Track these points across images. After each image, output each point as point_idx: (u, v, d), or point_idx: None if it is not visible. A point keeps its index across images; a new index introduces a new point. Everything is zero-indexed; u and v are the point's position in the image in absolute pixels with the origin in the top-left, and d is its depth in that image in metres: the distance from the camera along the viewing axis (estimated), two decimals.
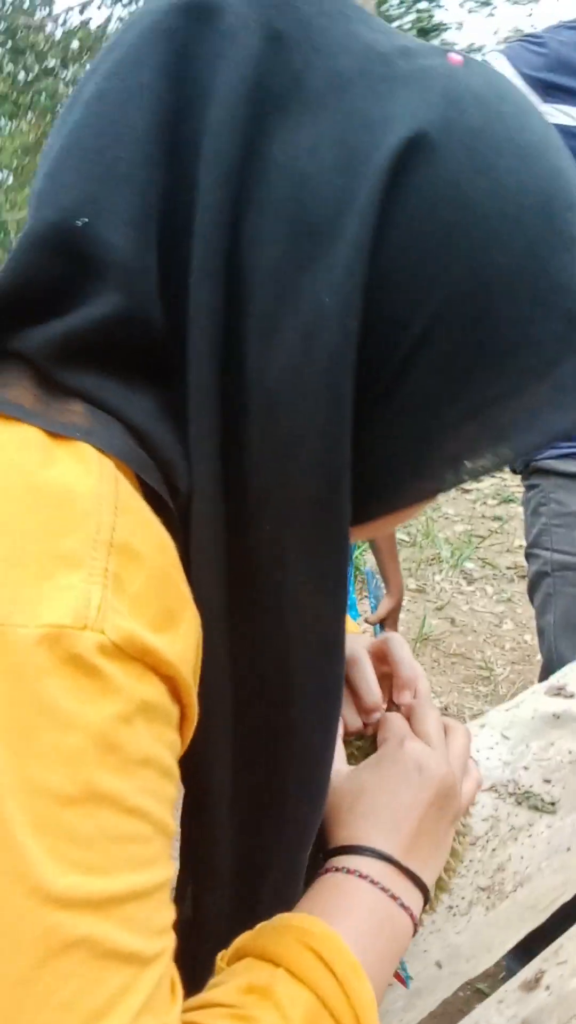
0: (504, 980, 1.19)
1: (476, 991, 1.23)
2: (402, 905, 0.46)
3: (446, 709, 2.59)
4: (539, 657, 1.48)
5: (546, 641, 1.39)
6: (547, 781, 0.95)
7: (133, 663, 0.30)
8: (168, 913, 0.33)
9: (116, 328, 0.35)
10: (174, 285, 0.36)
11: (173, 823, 0.33)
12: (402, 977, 0.60)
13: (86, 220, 0.34)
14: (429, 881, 0.50)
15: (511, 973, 1.14)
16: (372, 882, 0.46)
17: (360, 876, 0.46)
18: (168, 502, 0.36)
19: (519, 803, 0.91)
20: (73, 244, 0.35)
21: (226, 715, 0.40)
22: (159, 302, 0.36)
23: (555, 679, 1.15)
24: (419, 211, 0.34)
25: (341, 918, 0.43)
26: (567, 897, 0.79)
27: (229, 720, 0.40)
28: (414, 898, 0.48)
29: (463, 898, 0.78)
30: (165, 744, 0.32)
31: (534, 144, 0.36)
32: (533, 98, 1.22)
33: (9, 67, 9.03)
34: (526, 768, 0.98)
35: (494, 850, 0.85)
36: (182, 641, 0.33)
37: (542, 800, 0.91)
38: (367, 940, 0.43)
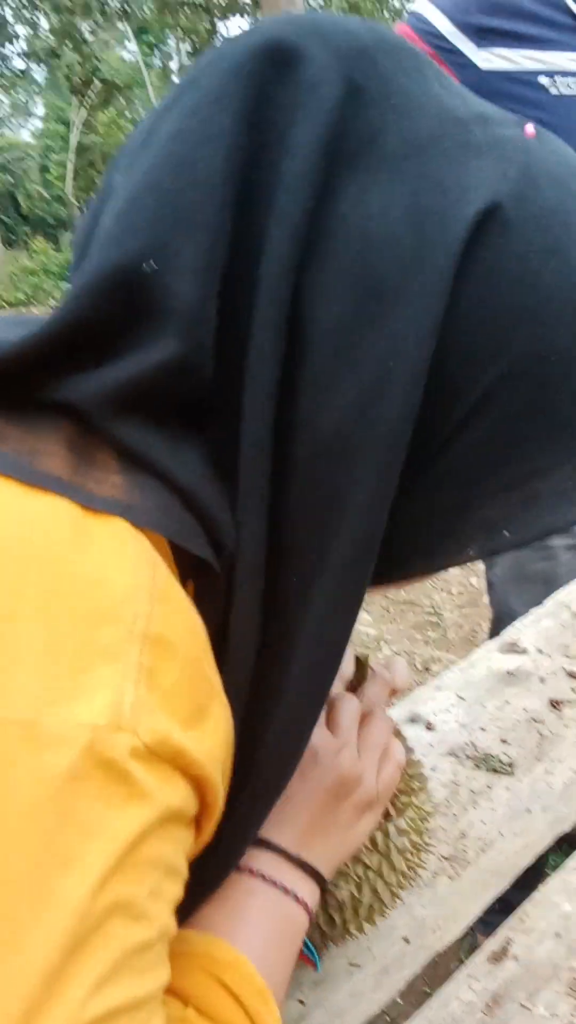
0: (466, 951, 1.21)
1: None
2: (295, 898, 0.47)
3: (397, 655, 2.61)
4: (486, 599, 1.49)
5: (495, 595, 1.39)
6: (504, 741, 0.95)
7: (163, 766, 0.30)
8: (159, 1020, 0.31)
9: (169, 377, 0.34)
10: (231, 334, 0.35)
11: (175, 925, 0.32)
12: (310, 959, 0.60)
13: (155, 266, 0.33)
14: (328, 870, 0.51)
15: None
16: (264, 878, 0.47)
17: (252, 873, 0.47)
18: (214, 564, 0.35)
19: (477, 766, 0.91)
20: (137, 289, 0.34)
21: None
22: (213, 351, 0.35)
23: (507, 635, 1.15)
24: (488, 284, 0.34)
25: (241, 927, 0.44)
26: (529, 861, 0.79)
27: None
28: (308, 889, 0.49)
29: (427, 869, 0.78)
30: (181, 847, 0.32)
31: None
32: (467, 45, 1.16)
33: None
34: (483, 729, 0.97)
35: (455, 816, 0.84)
36: (211, 737, 0.33)
37: (500, 762, 0.91)
38: (267, 946, 0.44)
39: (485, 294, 0.34)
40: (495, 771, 0.90)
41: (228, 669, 0.37)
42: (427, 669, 2.53)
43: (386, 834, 0.58)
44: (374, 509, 0.35)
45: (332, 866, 0.51)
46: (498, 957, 0.69)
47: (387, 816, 0.58)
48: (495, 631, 1.34)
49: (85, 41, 13.94)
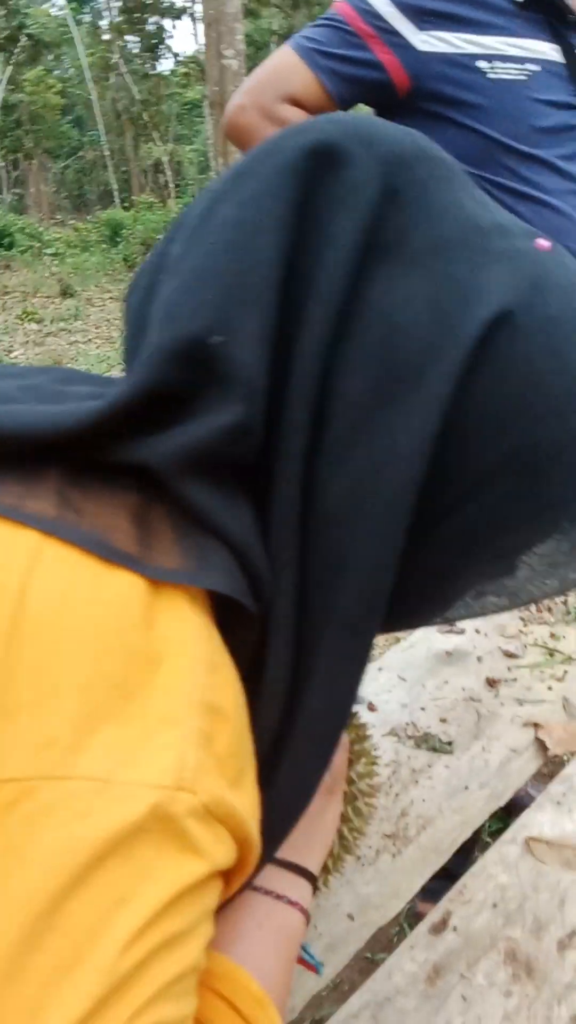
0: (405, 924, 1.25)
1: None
2: (290, 902, 0.49)
3: None
4: None
5: None
6: (443, 720, 0.98)
7: (216, 825, 0.33)
8: None
9: (234, 439, 0.37)
10: (272, 402, 0.38)
11: (204, 959, 0.35)
12: (311, 965, 0.61)
13: (222, 338, 0.37)
14: (316, 865, 0.53)
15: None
16: (257, 889, 0.48)
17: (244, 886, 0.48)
18: (255, 615, 0.39)
19: (418, 746, 0.94)
20: (207, 358, 0.37)
21: None
22: (263, 417, 0.38)
23: None
24: (494, 379, 0.37)
25: (236, 939, 0.45)
26: (466, 836, 0.83)
27: None
28: (302, 890, 0.50)
29: (370, 847, 0.80)
30: (217, 895, 0.35)
31: None
32: (407, 27, 1.16)
33: None
34: (423, 709, 1.00)
35: (397, 795, 0.87)
36: (250, 796, 0.36)
37: (439, 741, 0.94)
38: (264, 953, 0.45)
39: (491, 387, 0.38)
40: (435, 750, 0.93)
41: (259, 715, 0.39)
42: None
43: (348, 782, 0.60)
44: (375, 572, 0.38)
45: (319, 860, 0.53)
46: (438, 929, 0.72)
47: (349, 764, 0.60)
48: None
49: None
